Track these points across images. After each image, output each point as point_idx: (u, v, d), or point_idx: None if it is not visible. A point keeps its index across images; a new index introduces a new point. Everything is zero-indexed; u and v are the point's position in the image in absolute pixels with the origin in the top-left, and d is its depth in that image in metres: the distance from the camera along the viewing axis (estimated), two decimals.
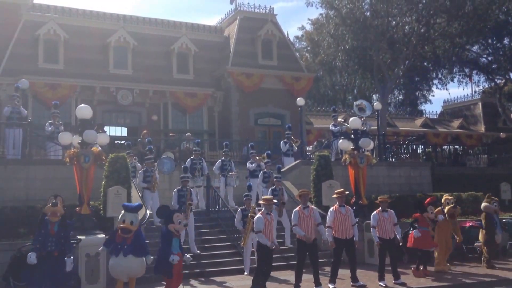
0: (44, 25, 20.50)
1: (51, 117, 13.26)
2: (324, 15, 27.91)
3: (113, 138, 16.63)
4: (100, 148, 10.62)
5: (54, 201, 7.66)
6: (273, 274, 9.09)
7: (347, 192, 9.46)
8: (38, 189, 11.20)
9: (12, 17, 20.58)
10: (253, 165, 13.34)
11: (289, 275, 9.89)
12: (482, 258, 10.95)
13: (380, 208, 9.50)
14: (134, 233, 7.44)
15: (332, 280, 8.84)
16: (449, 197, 11.26)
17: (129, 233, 7.35)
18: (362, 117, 14.20)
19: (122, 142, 16.87)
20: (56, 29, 20.59)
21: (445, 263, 10.52)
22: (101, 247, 7.89)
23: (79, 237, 8.82)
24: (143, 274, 7.89)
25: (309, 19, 44.59)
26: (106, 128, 16.42)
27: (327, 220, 8.91)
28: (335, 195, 9.17)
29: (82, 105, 10.30)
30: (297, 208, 8.66)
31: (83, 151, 9.76)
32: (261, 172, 12.75)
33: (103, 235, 9.16)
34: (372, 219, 9.40)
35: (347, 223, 8.81)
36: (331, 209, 9.10)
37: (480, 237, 11.16)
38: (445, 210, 10.77)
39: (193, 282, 9.48)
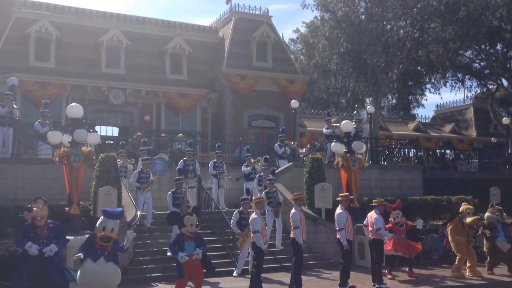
0: (35, 22, 20.28)
1: (40, 116, 13.02)
2: (319, 18, 27.95)
3: (104, 138, 16.49)
4: (90, 148, 10.52)
5: (29, 206, 7.19)
6: (264, 275, 9.10)
7: (351, 197, 9.63)
8: (27, 188, 11.05)
9: (3, 14, 20.36)
10: (248, 168, 13.29)
11: (281, 277, 9.86)
12: (486, 263, 11.03)
13: (376, 211, 9.54)
14: (114, 241, 7.15)
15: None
16: (470, 207, 11.05)
17: (109, 241, 7.04)
18: (360, 121, 14.25)
19: (112, 142, 16.73)
20: (48, 26, 20.38)
21: (475, 270, 10.48)
22: (77, 254, 7.10)
23: (67, 237, 8.67)
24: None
25: (304, 22, 44.75)
26: (97, 128, 16.21)
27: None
28: (339, 198, 9.20)
29: (73, 104, 10.20)
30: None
31: (73, 150, 9.65)
32: (257, 175, 12.71)
33: None
34: (379, 222, 9.38)
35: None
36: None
37: (484, 245, 11.23)
38: (467, 221, 10.67)
39: None
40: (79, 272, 7.14)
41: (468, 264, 10.60)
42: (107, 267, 6.97)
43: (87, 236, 7.57)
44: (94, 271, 6.93)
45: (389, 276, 10.06)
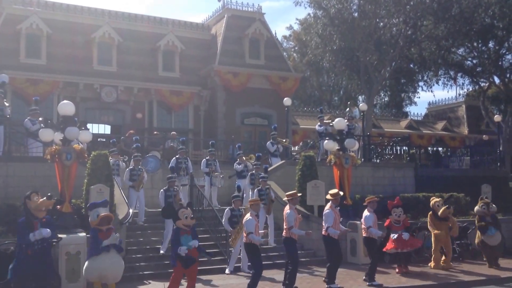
0: (26, 19, 20.06)
1: (29, 113, 12.88)
2: (312, 15, 27.96)
3: (96, 136, 16.40)
4: (82, 145, 10.46)
5: (50, 194, 7.56)
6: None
7: (341, 193, 9.55)
8: (18, 186, 10.97)
9: None
10: (240, 165, 13.29)
11: (273, 274, 9.87)
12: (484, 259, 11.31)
13: (368, 209, 9.59)
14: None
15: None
16: (437, 199, 11.25)
17: (111, 221, 7.35)
18: (352, 118, 14.28)
19: (104, 140, 16.63)
20: (39, 23, 20.18)
21: (448, 262, 10.82)
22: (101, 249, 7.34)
23: (59, 235, 8.64)
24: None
25: (297, 19, 44.70)
26: (89, 126, 16.06)
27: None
28: (329, 197, 9.12)
29: (65, 101, 10.13)
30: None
31: (65, 148, 9.60)
32: (249, 174, 12.70)
33: (84, 234, 9.00)
34: (369, 220, 9.42)
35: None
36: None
37: (476, 238, 11.51)
38: (439, 213, 10.88)
39: None
40: (88, 265, 7.36)
41: (443, 258, 10.88)
42: (117, 256, 7.35)
43: (90, 236, 7.71)
44: (111, 262, 7.26)
45: (397, 270, 10.23)
